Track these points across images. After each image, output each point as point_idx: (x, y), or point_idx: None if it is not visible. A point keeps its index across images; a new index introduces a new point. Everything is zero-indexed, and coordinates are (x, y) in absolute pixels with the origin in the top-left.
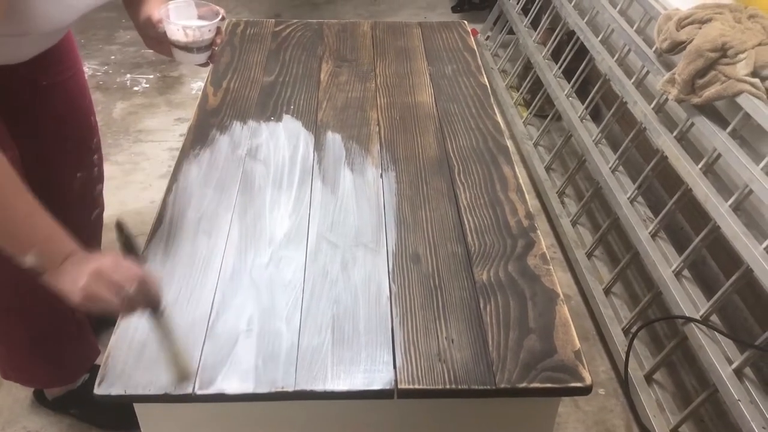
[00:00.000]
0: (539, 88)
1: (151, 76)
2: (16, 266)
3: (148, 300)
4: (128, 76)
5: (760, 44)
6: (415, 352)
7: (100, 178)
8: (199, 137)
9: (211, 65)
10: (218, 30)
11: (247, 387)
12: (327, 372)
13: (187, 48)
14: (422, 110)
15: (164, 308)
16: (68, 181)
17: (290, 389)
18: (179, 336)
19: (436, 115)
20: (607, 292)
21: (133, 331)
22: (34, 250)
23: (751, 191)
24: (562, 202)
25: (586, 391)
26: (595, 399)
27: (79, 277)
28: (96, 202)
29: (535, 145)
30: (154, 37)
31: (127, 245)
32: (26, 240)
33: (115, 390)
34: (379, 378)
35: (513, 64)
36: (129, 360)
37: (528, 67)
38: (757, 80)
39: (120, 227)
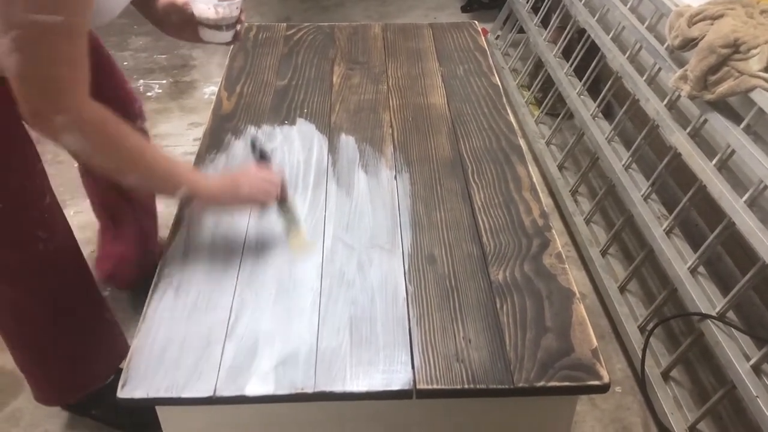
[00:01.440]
0: (550, 87)
1: (164, 82)
2: (53, 283)
3: (281, 195)
4: (141, 81)
5: None
6: (432, 352)
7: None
8: (214, 142)
9: (233, 44)
10: (241, 8)
11: (267, 389)
12: (346, 373)
13: (216, 26)
14: (435, 111)
15: (291, 199)
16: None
17: (310, 391)
18: (301, 220)
19: (448, 116)
20: (622, 289)
21: (154, 334)
22: (183, 185)
23: (765, 187)
24: (576, 201)
25: (604, 389)
26: (612, 397)
27: (238, 191)
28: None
29: (548, 143)
30: (176, 23)
31: (263, 156)
32: (176, 179)
33: (138, 393)
34: (398, 378)
35: (524, 62)
36: (151, 363)
37: (539, 65)
38: None
39: (254, 142)
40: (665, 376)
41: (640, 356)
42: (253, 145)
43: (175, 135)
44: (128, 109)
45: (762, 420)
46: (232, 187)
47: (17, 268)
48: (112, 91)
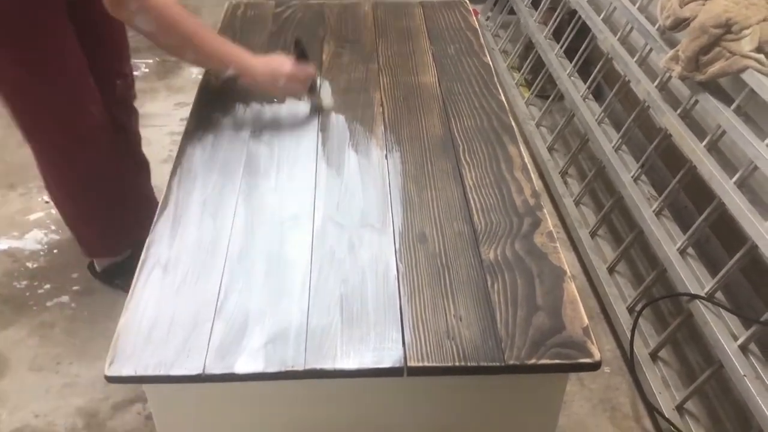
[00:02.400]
0: (540, 68)
1: (151, 61)
2: (95, 154)
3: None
4: None
5: (764, 20)
6: (423, 330)
7: (132, 86)
8: (201, 120)
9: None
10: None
11: (256, 366)
12: (336, 351)
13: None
14: (426, 90)
15: (317, 85)
16: (111, 86)
17: (300, 368)
18: (325, 96)
19: (439, 95)
20: (611, 270)
21: (142, 312)
22: (232, 64)
23: (756, 168)
24: (565, 182)
25: (595, 366)
26: (601, 377)
27: (277, 79)
28: (133, 109)
29: (537, 125)
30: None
31: (302, 54)
32: (225, 57)
33: (126, 371)
34: (389, 356)
35: (514, 44)
36: (139, 341)
37: (529, 47)
38: (762, 56)
39: (298, 41)
40: (653, 356)
41: (629, 337)
42: (297, 44)
43: (161, 115)
44: (123, 49)
45: (749, 398)
46: (273, 72)
47: (76, 136)
48: (113, 27)
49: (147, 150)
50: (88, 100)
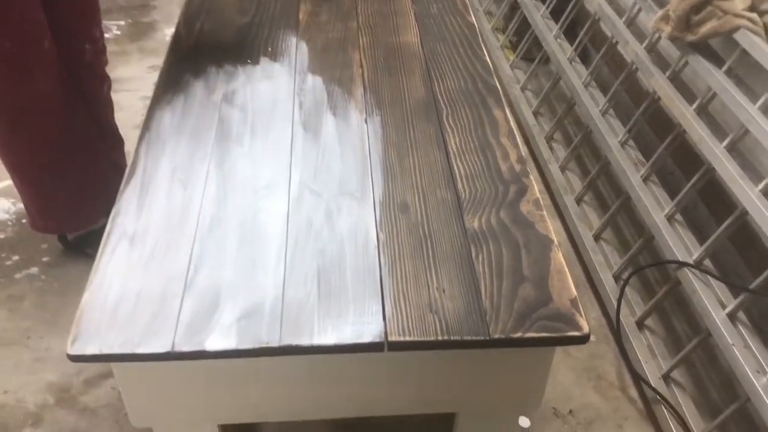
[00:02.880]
0: (526, 30)
1: (122, 23)
2: (43, 124)
3: None
4: None
5: None
6: (405, 302)
7: (104, 51)
8: (171, 82)
9: None
10: None
11: (229, 343)
12: (314, 326)
13: None
14: (407, 51)
15: None
16: (80, 51)
17: (275, 344)
18: None
19: (422, 56)
20: (597, 238)
21: (107, 287)
22: None
23: (747, 131)
24: (551, 148)
25: (583, 339)
26: (586, 346)
27: None
28: (104, 76)
29: (522, 89)
30: None
31: None
32: None
33: (90, 349)
34: (369, 330)
35: (498, 4)
36: (104, 318)
37: (514, 7)
38: (755, 15)
39: None
40: (640, 324)
41: (615, 305)
42: None
43: (134, 79)
44: (93, 14)
45: (736, 367)
46: None
47: (16, 103)
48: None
49: (119, 115)
50: (33, 64)
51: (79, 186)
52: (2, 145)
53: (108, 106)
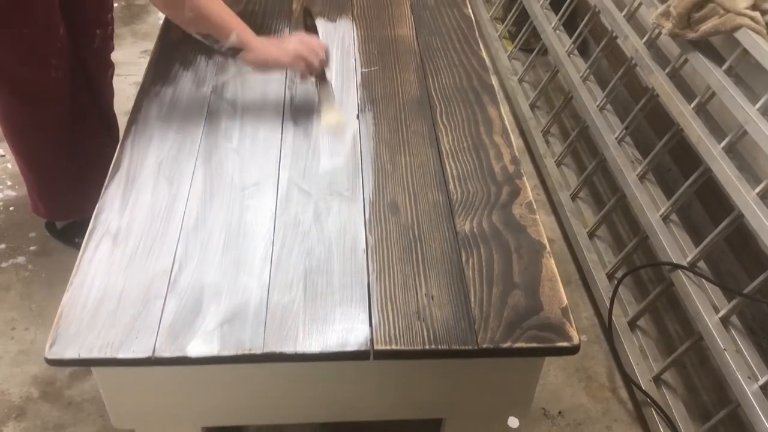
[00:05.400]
0: (525, 20)
1: (116, 5)
2: (59, 110)
3: (321, 70)
4: None
5: None
6: (392, 309)
7: (111, 37)
8: (160, 73)
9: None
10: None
11: (211, 349)
12: (298, 332)
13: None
14: (402, 44)
15: (329, 77)
16: (90, 37)
17: (258, 351)
18: (336, 96)
19: (417, 50)
20: (592, 235)
21: (88, 287)
22: (234, 32)
23: (745, 133)
24: (547, 142)
25: (573, 350)
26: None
27: (287, 44)
28: (109, 62)
29: (520, 81)
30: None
31: (311, 27)
32: (228, 25)
33: (69, 354)
34: (354, 338)
35: None
36: (84, 320)
37: None
38: (757, 14)
39: (307, 12)
40: (632, 325)
41: (608, 305)
42: (308, 14)
43: (127, 63)
44: (105, 27)
45: (728, 372)
46: (278, 42)
47: (31, 89)
48: None
49: None
50: (50, 51)
51: (83, 172)
52: (13, 130)
53: (110, 94)
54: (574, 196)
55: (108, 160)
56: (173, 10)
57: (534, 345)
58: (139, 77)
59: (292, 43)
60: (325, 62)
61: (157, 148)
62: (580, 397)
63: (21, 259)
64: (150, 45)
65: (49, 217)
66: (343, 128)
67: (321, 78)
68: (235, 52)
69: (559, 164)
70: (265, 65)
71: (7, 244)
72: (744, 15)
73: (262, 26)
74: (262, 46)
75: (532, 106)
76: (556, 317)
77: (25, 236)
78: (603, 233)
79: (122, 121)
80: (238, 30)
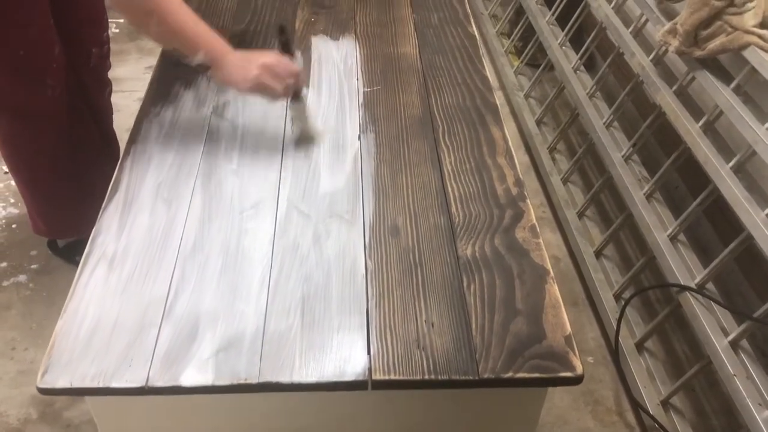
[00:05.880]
0: (531, 36)
1: (121, 21)
2: (56, 128)
3: (296, 89)
4: None
5: None
6: (391, 337)
7: (108, 55)
8: (161, 92)
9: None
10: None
11: (205, 379)
12: (295, 361)
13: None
14: (405, 63)
15: (305, 95)
16: (86, 56)
17: (254, 381)
18: (311, 117)
19: (420, 69)
20: (598, 254)
21: (83, 314)
22: (202, 49)
23: (754, 152)
24: (553, 159)
25: (576, 381)
26: (584, 367)
27: (249, 70)
28: (107, 81)
29: (526, 96)
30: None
31: (285, 46)
32: (197, 40)
33: (61, 382)
34: (352, 368)
35: (504, 8)
36: (77, 348)
37: (520, 12)
38: (765, 32)
39: (282, 30)
40: (639, 346)
41: (615, 326)
42: (281, 31)
43: (131, 79)
44: (100, 17)
45: (737, 399)
46: (247, 62)
47: (27, 109)
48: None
49: (114, 117)
50: (46, 71)
51: (83, 190)
52: (10, 149)
53: (108, 112)
54: (580, 214)
55: (108, 178)
56: (140, 25)
57: (536, 375)
58: (144, 93)
59: (253, 69)
60: (293, 85)
61: (156, 169)
62: (586, 421)
63: (22, 278)
64: (155, 61)
65: (50, 235)
66: (319, 139)
67: (295, 97)
68: (204, 68)
69: (565, 181)
70: (229, 87)
71: (9, 262)
72: (752, 33)
73: (263, 46)
74: (231, 65)
75: (539, 122)
76: (560, 346)
77: (26, 254)
78: (610, 252)
79: (125, 138)
80: (207, 47)
